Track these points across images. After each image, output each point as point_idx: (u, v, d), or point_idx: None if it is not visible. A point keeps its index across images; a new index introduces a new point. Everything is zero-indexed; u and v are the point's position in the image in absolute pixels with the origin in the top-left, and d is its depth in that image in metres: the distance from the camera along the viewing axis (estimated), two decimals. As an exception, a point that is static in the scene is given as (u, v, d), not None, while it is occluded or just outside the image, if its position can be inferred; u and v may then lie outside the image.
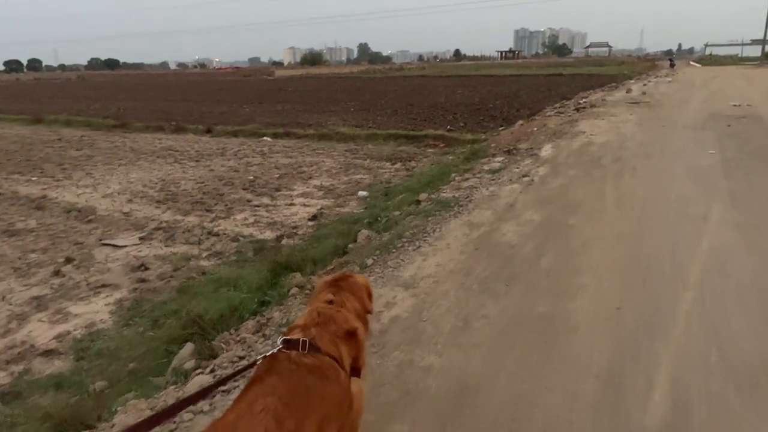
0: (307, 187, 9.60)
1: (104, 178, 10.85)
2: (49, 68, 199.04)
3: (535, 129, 11.30)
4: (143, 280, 5.56)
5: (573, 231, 4.49)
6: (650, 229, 4.49)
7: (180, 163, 12.42)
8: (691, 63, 68.80)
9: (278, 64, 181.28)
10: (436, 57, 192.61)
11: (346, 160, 12.18)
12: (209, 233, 6.89)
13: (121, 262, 6.12)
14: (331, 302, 2.04)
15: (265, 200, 8.73)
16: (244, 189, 9.57)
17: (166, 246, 6.62)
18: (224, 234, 6.89)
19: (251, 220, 7.66)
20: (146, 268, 5.88)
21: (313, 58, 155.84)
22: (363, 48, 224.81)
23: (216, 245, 6.55)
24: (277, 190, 9.44)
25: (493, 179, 6.40)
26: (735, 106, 12.78)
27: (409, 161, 11.78)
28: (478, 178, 6.82)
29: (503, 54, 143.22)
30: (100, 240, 6.85)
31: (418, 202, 6.15)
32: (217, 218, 7.76)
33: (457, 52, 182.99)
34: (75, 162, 12.75)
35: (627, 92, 18.65)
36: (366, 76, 67.87)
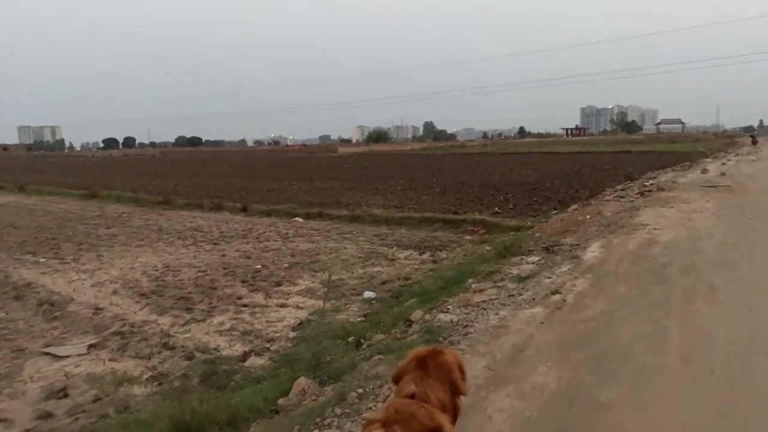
0: (313, 282, 8.36)
1: (110, 262, 10.18)
2: (142, 145, 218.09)
3: (588, 217, 9.62)
4: (48, 415, 4.36)
5: (604, 422, 2.73)
6: (746, 418, 2.74)
7: (197, 245, 11.69)
8: (777, 139, 63.97)
9: (346, 142, 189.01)
10: (500, 134, 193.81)
11: (371, 247, 10.94)
12: (165, 345, 5.70)
13: (45, 382, 5.00)
14: (413, 396, 1.88)
15: (258, 298, 7.55)
16: (242, 282, 8.47)
17: (110, 360, 5.48)
18: (182, 348, 5.67)
19: (228, 325, 6.44)
20: (65, 395, 4.72)
21: (378, 136, 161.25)
22: (428, 126, 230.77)
23: (165, 363, 5.33)
24: (278, 284, 8.26)
25: (513, 294, 4.83)
26: (842, 191, 10.56)
27: (440, 250, 10.36)
28: (497, 287, 5.29)
29: (569, 131, 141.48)
30: (44, 347, 5.83)
31: (410, 323, 4.70)
32: (192, 321, 6.62)
33: (521, 130, 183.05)
34: (95, 242, 12.35)
35: (702, 173, 16.51)
36: (426, 153, 68.32)
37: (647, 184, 13.87)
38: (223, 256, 10.55)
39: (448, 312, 4.65)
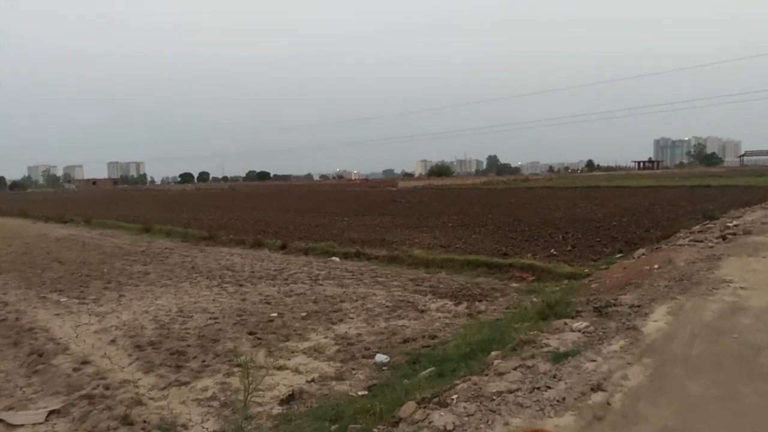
0: (325, 336, 7.38)
1: (127, 304, 9.72)
2: (215, 179, 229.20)
3: (656, 267, 8.07)
4: None
5: None
6: None
7: (222, 286, 11.09)
8: None
9: (409, 176, 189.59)
10: (566, 168, 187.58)
11: (403, 294, 9.85)
12: (125, 420, 4.86)
13: (-21, 461, 4.29)
14: None
15: (258, 356, 6.65)
16: (250, 333, 7.63)
17: (63, 434, 4.71)
18: (144, 424, 4.81)
19: (211, 392, 5.55)
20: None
21: (439, 170, 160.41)
22: (492, 159, 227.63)
23: (118, 443, 4.48)
24: (287, 338, 7.34)
25: (540, 386, 3.57)
26: None
27: (480, 300, 9.10)
28: (524, 369, 4.06)
29: (641, 164, 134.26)
30: (3, 410, 5.18)
31: (397, 422, 3.55)
32: (174, 383, 5.80)
33: (589, 163, 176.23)
34: (124, 280, 12.08)
35: (800, 212, 14.19)
36: (486, 188, 66.62)
37: (730, 225, 11.93)
38: (243, 300, 9.83)
39: (448, 407, 3.49)
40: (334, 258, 14.19)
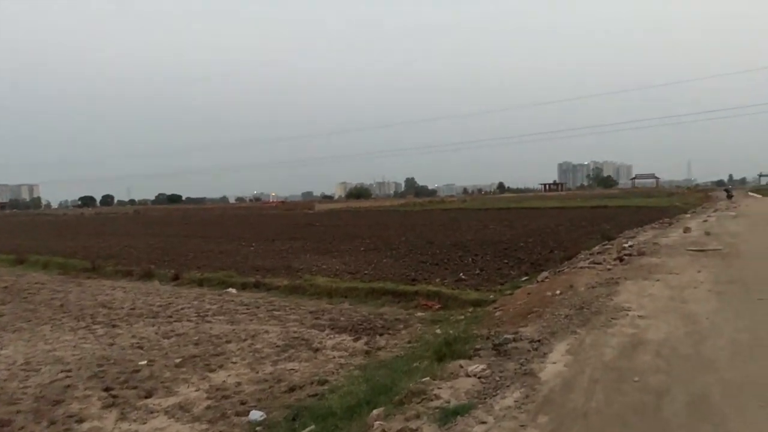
0: (198, 388, 6.32)
1: (-41, 357, 7.99)
2: (121, 203, 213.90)
3: (558, 292, 7.84)
4: None
5: None
6: None
7: (90, 328, 9.57)
8: (750, 194, 64.41)
9: (328, 198, 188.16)
10: (480, 190, 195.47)
11: (300, 329, 8.94)
12: None
13: None
14: None
15: (107, 421, 5.47)
16: (105, 390, 6.37)
17: None
18: None
19: (25, 479, 4.35)
20: None
21: (358, 192, 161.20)
22: (410, 182, 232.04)
23: None
24: (149, 394, 6.18)
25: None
26: None
27: (381, 334, 8.41)
28: (406, 434, 3.39)
29: (547, 186, 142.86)
30: None
31: None
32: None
33: (500, 185, 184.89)
34: (-33, 325, 10.14)
35: (685, 232, 15.05)
36: (403, 210, 67.15)
37: (626, 246, 12.27)
38: (111, 345, 8.45)
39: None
40: (230, 289, 12.98)
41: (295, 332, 8.75)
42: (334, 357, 7.36)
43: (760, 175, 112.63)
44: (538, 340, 5.19)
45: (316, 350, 7.71)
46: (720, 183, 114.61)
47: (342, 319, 9.57)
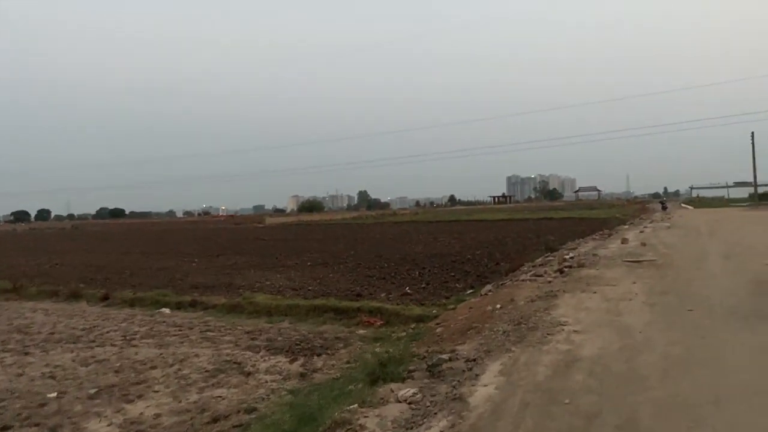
0: (110, 423, 5.74)
1: None
2: (59, 218, 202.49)
3: (498, 307, 7.74)
4: None
5: None
6: None
7: (-2, 357, 8.69)
8: (683, 205, 68.17)
9: (280, 212, 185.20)
10: (432, 202, 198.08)
11: (233, 351, 8.44)
12: None
13: None
14: None
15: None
16: (2, 429, 5.70)
17: None
18: None
19: None
20: None
21: (310, 206, 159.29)
22: (363, 195, 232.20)
23: None
24: None
25: None
26: (774, 265, 9.40)
27: (319, 355, 8.04)
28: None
29: (496, 199, 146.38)
30: None
31: None
32: None
33: (451, 198, 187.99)
34: None
35: (623, 242, 15.49)
36: (355, 223, 66.97)
37: (567, 257, 12.44)
38: (19, 375, 7.66)
39: None
40: (163, 309, 12.22)
41: (228, 355, 8.23)
42: (267, 381, 6.92)
43: (692, 188, 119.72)
44: (474, 360, 4.99)
45: (248, 374, 7.24)
46: (656, 195, 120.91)
47: (280, 339, 9.12)
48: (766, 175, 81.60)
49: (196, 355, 8.25)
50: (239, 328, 10.04)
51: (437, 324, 8.53)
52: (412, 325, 9.19)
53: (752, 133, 52.10)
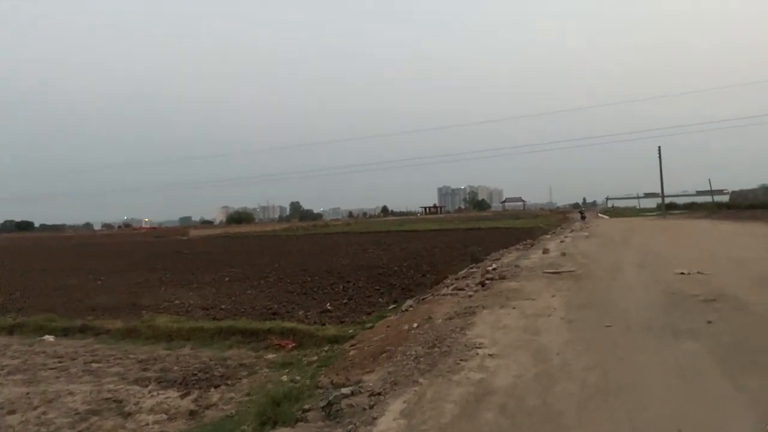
0: (-71, 494, 4.59)
1: None
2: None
3: (415, 326, 7.21)
4: None
5: None
6: None
7: None
8: (600, 215, 72.17)
9: (208, 223, 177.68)
10: (365, 213, 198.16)
11: (117, 386, 7.33)
12: None
13: None
14: None
15: None
16: None
17: None
18: None
19: None
20: None
21: (239, 217, 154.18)
22: (295, 206, 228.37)
23: None
24: None
25: None
26: (683, 274, 9.57)
27: (217, 386, 7.13)
28: None
29: (427, 209, 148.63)
30: None
31: None
32: None
33: (384, 208, 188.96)
34: None
35: (544, 253, 15.62)
36: (286, 234, 65.34)
37: (490, 269, 12.23)
38: None
39: None
40: (47, 337, 10.74)
41: (109, 391, 7.13)
42: (148, 423, 5.96)
43: (607, 199, 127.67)
44: (378, 393, 4.37)
45: (128, 415, 6.23)
46: (576, 205, 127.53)
47: (176, 368, 8.09)
48: (673, 187, 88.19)
49: (70, 393, 7.08)
50: (131, 356, 8.88)
51: (352, 345, 7.88)
52: (326, 348, 8.49)
53: (659, 147, 55.78)
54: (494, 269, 12.12)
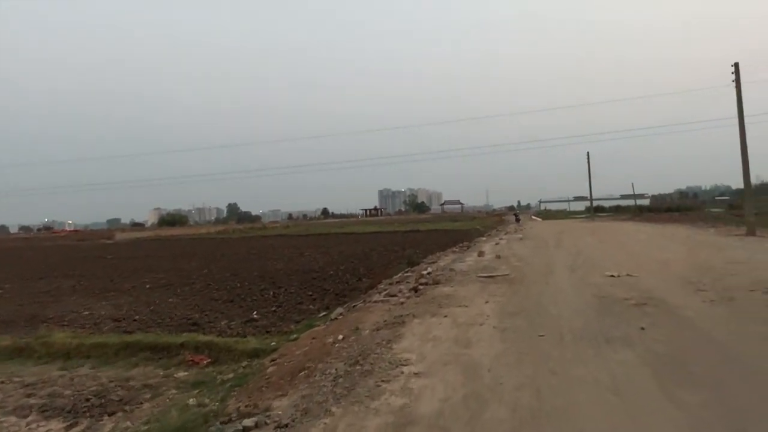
0: None
1: None
2: None
3: (341, 337, 6.63)
4: None
5: None
6: None
7: None
8: (533, 217, 74.74)
9: (139, 226, 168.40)
10: (305, 215, 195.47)
11: (-10, 418, 6.25)
12: None
13: None
14: None
15: None
16: None
17: None
18: None
19: None
20: None
21: (173, 219, 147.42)
22: (232, 207, 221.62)
23: None
24: None
25: None
26: (613, 277, 9.60)
27: (112, 413, 6.23)
28: None
29: (368, 211, 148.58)
30: None
31: None
32: None
33: (324, 210, 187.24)
34: None
35: (479, 255, 15.51)
36: (220, 237, 62.88)
37: (425, 273, 11.88)
38: None
39: None
40: None
41: (-22, 426, 6.05)
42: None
43: (540, 202, 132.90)
44: (285, 425, 3.76)
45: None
46: (511, 208, 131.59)
47: (67, 392, 7.07)
48: (600, 191, 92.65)
49: None
50: (16, 380, 7.73)
51: (272, 361, 7.19)
52: (244, 363, 7.72)
53: (588, 153, 58.43)
54: (429, 273, 11.77)
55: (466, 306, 7.43)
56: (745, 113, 20.61)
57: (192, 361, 8.14)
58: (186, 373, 7.71)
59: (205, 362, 8.07)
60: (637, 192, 77.99)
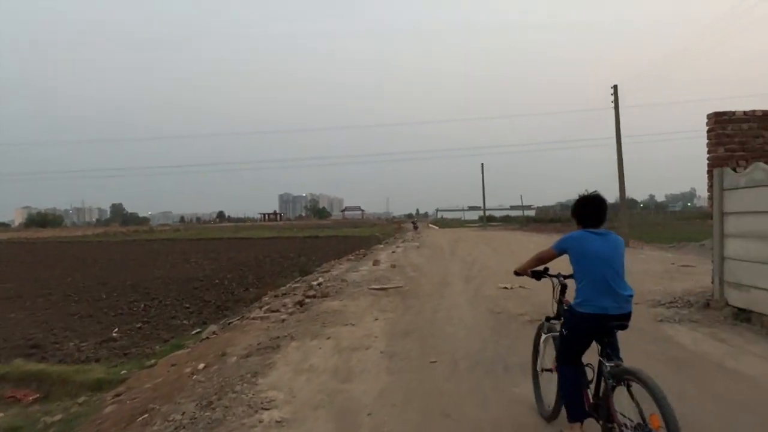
0: None
1: None
2: None
3: (203, 366, 5.52)
4: None
5: None
6: None
7: None
8: (430, 225, 76.72)
9: (5, 226, 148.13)
10: (199, 218, 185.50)
11: None
12: None
13: None
14: None
15: None
16: None
17: None
18: None
19: None
20: None
21: (44, 219, 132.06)
22: (116, 208, 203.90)
23: None
24: None
25: None
26: (506, 289, 9.38)
27: None
28: None
29: (267, 216, 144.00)
30: None
31: None
32: None
33: (220, 214, 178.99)
34: None
35: (375, 264, 14.91)
36: (98, 240, 57.25)
37: (315, 284, 10.98)
38: None
39: None
40: None
41: None
42: None
43: (437, 210, 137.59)
44: None
45: None
46: (410, 216, 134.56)
47: None
48: (492, 201, 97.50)
49: None
50: None
51: (116, 396, 5.87)
52: (81, 399, 6.28)
53: (482, 164, 61.13)
54: (319, 284, 10.88)
55: (354, 324, 6.64)
56: (622, 133, 22.20)
57: (13, 397, 6.52)
58: (2, 415, 6.10)
59: (30, 398, 6.49)
60: (525, 203, 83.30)
